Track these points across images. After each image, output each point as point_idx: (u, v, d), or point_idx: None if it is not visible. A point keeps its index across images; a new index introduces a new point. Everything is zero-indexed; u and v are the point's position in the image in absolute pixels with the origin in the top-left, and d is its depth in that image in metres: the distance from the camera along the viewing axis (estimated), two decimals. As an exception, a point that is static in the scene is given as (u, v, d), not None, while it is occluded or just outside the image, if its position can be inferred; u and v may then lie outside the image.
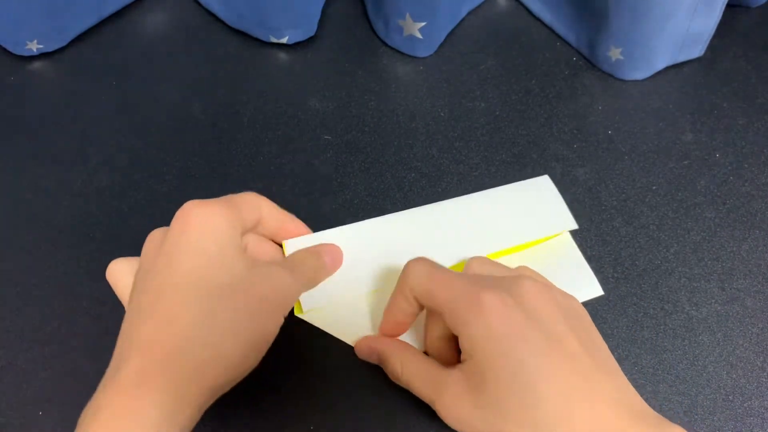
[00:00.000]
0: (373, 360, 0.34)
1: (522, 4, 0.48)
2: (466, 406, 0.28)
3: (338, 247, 0.36)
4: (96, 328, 0.36)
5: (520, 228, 0.37)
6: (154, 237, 0.32)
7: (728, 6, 0.43)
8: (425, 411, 0.31)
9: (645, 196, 0.40)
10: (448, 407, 0.29)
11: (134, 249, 0.38)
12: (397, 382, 0.33)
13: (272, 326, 0.30)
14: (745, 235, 0.39)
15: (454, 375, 0.29)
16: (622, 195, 0.40)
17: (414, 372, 0.31)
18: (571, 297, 0.31)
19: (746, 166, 0.41)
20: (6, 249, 0.39)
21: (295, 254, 0.34)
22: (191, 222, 0.30)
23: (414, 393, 0.31)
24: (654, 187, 0.41)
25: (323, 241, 0.36)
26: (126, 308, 0.30)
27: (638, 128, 0.43)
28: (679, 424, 0.30)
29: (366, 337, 0.34)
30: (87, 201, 0.40)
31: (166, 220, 0.39)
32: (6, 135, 0.43)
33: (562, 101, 0.44)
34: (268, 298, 0.30)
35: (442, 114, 0.43)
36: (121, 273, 0.32)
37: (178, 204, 0.40)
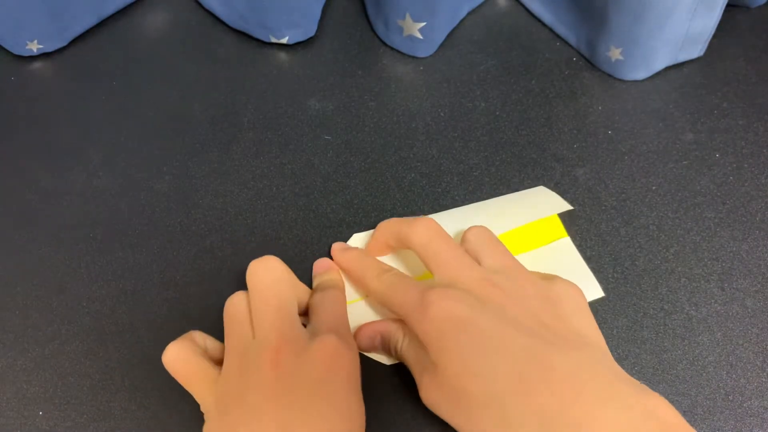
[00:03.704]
0: (375, 345, 0.34)
1: (522, 4, 0.48)
2: (435, 390, 0.30)
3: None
4: (96, 328, 0.36)
5: (515, 215, 0.38)
6: (231, 370, 0.30)
7: (728, 6, 0.43)
8: (425, 411, 0.31)
9: (645, 196, 0.40)
10: (424, 390, 0.30)
11: (134, 249, 0.38)
12: (395, 357, 0.34)
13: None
14: (745, 235, 0.39)
15: (430, 361, 0.31)
16: (622, 195, 0.40)
17: (409, 349, 0.32)
18: (553, 282, 0.31)
19: (746, 166, 0.41)
20: (6, 249, 0.39)
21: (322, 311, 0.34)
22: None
23: (408, 366, 0.33)
24: (654, 187, 0.41)
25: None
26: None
27: (638, 128, 0.43)
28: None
29: (363, 326, 0.34)
30: (87, 201, 0.40)
31: (166, 220, 0.39)
32: (6, 135, 0.43)
33: (562, 101, 0.44)
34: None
35: (442, 114, 0.43)
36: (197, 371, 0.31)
37: (179, 204, 0.40)
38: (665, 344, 0.35)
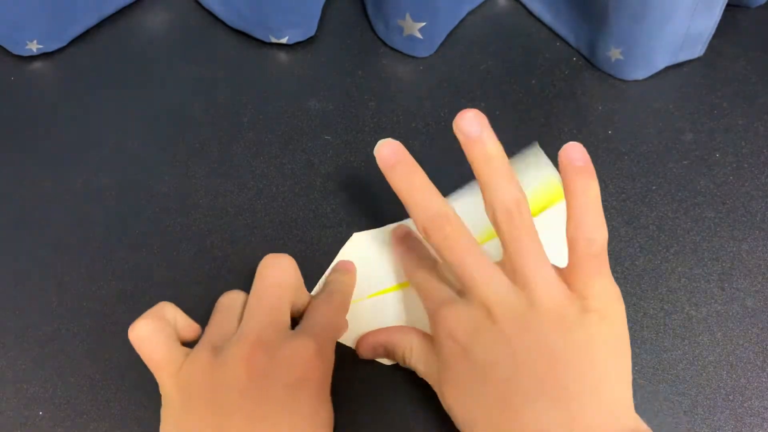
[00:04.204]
0: (379, 354, 0.34)
1: (522, 4, 0.48)
2: (445, 396, 0.30)
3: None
4: (96, 328, 0.36)
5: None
6: (200, 362, 0.29)
7: (728, 6, 0.43)
8: (425, 412, 0.31)
9: (645, 196, 0.40)
10: (440, 394, 0.30)
11: (134, 249, 0.38)
12: (404, 366, 0.33)
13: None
14: (745, 235, 0.39)
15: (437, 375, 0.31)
16: (622, 195, 0.40)
17: (419, 356, 0.32)
18: (587, 310, 0.29)
19: (746, 166, 0.41)
20: (6, 249, 0.39)
21: (315, 315, 0.33)
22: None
23: (419, 375, 0.33)
24: (654, 187, 0.41)
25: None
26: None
27: (638, 128, 0.43)
28: (679, 424, 0.29)
29: (365, 335, 0.34)
30: (87, 201, 0.40)
31: (166, 220, 0.39)
32: (6, 135, 0.43)
33: (562, 101, 0.44)
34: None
35: (442, 114, 0.43)
36: (158, 344, 0.30)
37: (179, 204, 0.40)
38: (665, 344, 0.35)
